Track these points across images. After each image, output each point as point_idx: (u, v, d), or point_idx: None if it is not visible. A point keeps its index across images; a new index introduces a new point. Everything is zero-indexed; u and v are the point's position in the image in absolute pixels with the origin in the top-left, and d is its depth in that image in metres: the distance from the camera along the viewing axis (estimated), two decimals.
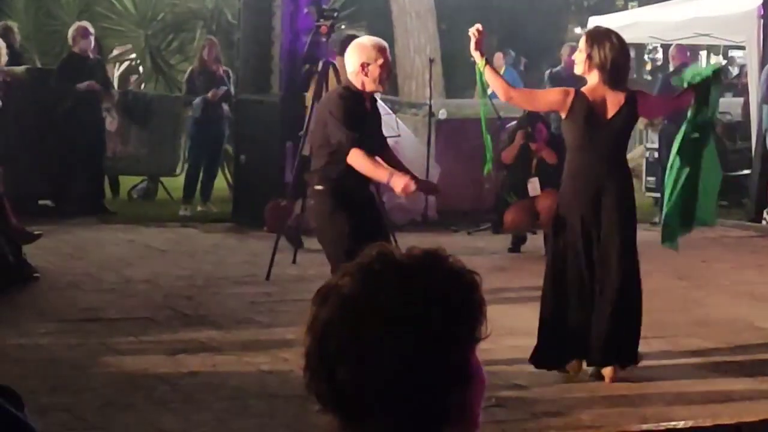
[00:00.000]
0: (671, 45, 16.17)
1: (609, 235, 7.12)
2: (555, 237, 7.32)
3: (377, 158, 7.18)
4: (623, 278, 7.15)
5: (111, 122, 14.87)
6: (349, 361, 1.81)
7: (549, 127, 12.39)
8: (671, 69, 15.79)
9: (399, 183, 6.95)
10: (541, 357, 7.21)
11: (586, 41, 7.25)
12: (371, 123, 7.34)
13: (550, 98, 7.48)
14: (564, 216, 7.22)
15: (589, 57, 7.16)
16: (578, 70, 7.34)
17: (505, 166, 12.08)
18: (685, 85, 7.57)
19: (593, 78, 7.17)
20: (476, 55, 7.37)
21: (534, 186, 11.81)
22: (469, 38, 7.58)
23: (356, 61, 7.26)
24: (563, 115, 7.24)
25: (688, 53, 15.95)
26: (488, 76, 7.30)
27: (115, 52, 17.60)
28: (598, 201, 7.11)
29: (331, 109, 7.13)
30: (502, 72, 17.01)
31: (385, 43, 7.54)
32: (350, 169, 7.00)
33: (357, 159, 7.00)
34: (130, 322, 8.45)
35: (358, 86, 7.15)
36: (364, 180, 7.15)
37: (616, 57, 7.10)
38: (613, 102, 7.13)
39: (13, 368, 6.77)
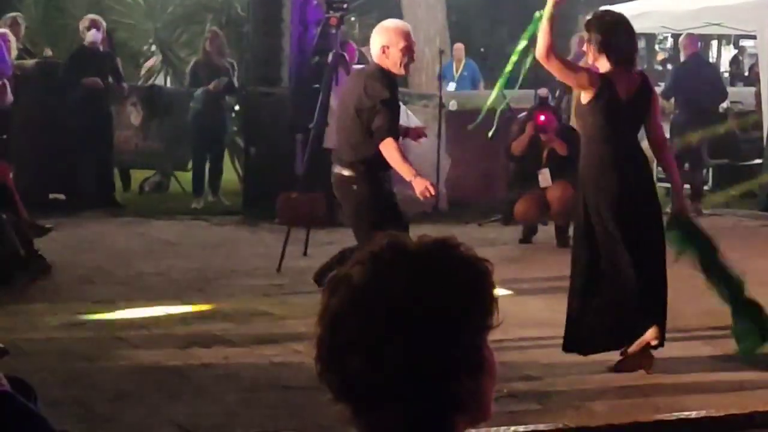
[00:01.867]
0: (682, 34, 16.11)
1: (642, 221, 7.08)
2: (588, 227, 7.19)
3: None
4: (659, 261, 7.12)
5: (136, 116, 14.92)
6: (360, 350, 1.81)
7: (560, 118, 12.38)
8: (682, 59, 15.73)
9: (420, 185, 7.07)
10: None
11: (588, 28, 7.19)
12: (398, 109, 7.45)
13: (580, 78, 7.19)
14: (595, 204, 7.13)
15: (595, 42, 7.08)
16: (589, 59, 7.28)
17: (515, 157, 12.06)
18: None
19: (603, 64, 7.10)
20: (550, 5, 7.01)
21: (545, 177, 11.78)
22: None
23: (378, 43, 7.34)
24: (586, 99, 7.10)
25: (700, 43, 15.90)
26: (545, 28, 6.96)
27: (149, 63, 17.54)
28: (628, 186, 7.06)
29: (374, 91, 7.20)
30: (462, 64, 17.04)
31: (407, 27, 7.61)
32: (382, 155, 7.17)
33: (390, 149, 7.18)
34: (142, 315, 8.46)
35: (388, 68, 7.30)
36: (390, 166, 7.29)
37: (622, 37, 7.03)
38: (630, 84, 7.07)
39: (26, 361, 6.77)
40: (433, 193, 7.24)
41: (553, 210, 11.87)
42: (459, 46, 20.30)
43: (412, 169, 7.25)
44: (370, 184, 7.34)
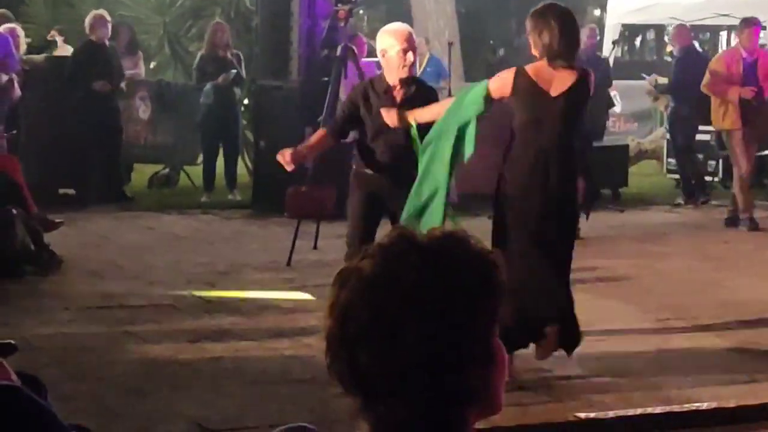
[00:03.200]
0: (671, 26, 15.91)
1: (552, 213, 6.95)
2: (505, 215, 7.13)
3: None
4: (564, 263, 7.05)
5: (144, 111, 14.93)
6: (370, 342, 1.80)
7: None
8: (675, 53, 15.47)
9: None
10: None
11: (529, 22, 7.13)
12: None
13: (493, 88, 7.07)
14: (513, 194, 7.04)
15: (532, 38, 7.00)
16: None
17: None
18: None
19: (541, 58, 6.97)
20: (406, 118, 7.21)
21: None
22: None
23: (378, 49, 7.34)
24: (508, 94, 6.98)
25: (692, 33, 15.72)
26: (423, 117, 7.15)
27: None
28: (546, 178, 6.95)
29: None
30: (426, 59, 17.00)
31: (404, 28, 7.53)
32: (364, 148, 7.59)
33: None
34: (152, 309, 8.47)
35: (385, 75, 7.31)
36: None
37: (556, 35, 6.89)
38: (561, 81, 6.93)
39: (36, 356, 6.78)
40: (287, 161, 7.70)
41: None
42: (421, 41, 20.24)
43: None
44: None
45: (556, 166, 6.90)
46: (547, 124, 6.91)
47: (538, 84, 6.90)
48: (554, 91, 6.89)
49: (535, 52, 7.00)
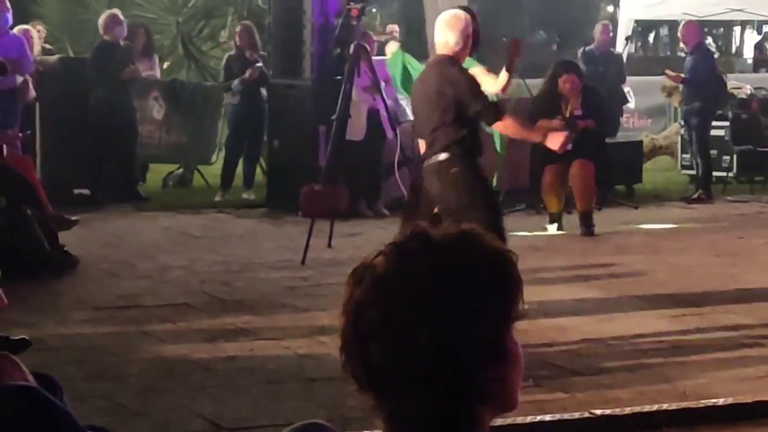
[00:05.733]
0: (681, 22, 15.86)
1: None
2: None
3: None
4: None
5: (158, 110, 14.96)
6: (384, 339, 1.80)
7: (581, 76, 12.38)
8: (687, 50, 15.38)
9: (556, 141, 7.83)
10: None
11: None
12: None
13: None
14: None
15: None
16: None
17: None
18: None
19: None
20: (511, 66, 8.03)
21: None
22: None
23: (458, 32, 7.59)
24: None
25: (705, 29, 15.67)
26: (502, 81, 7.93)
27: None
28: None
29: (460, 82, 7.50)
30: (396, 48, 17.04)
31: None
32: (476, 139, 7.61)
33: (510, 125, 7.94)
34: (167, 308, 8.48)
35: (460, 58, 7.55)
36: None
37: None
38: None
39: (52, 356, 6.80)
40: (568, 143, 8.00)
41: (574, 187, 11.90)
42: (392, 27, 20.15)
43: (539, 131, 8.30)
44: (473, 169, 7.64)
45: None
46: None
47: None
48: None
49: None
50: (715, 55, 19.08)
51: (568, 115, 11.92)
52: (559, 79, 12.07)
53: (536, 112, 12.05)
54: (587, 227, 11.79)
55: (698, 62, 14.48)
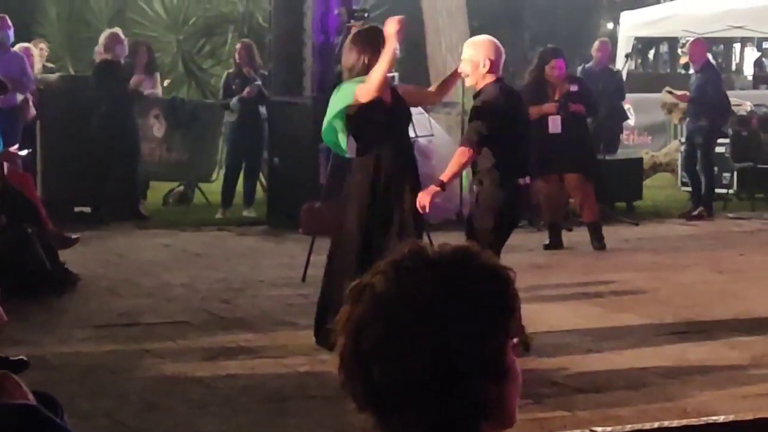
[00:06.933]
0: (684, 38, 15.90)
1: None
2: None
3: None
4: None
5: (159, 128, 14.99)
6: (384, 358, 1.81)
7: (567, 63, 12.47)
8: (693, 68, 15.37)
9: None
10: None
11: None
12: None
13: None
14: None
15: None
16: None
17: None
18: None
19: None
20: (392, 40, 7.51)
21: (555, 123, 11.82)
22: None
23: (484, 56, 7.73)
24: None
25: (712, 47, 15.70)
26: (386, 60, 7.44)
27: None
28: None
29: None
30: None
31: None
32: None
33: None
34: (168, 326, 8.48)
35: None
36: None
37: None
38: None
39: (53, 374, 6.80)
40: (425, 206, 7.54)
41: (576, 200, 11.96)
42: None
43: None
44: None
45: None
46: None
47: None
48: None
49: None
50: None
51: (557, 98, 11.95)
52: (546, 66, 12.08)
53: (525, 101, 12.10)
54: (599, 241, 11.83)
55: (706, 81, 14.47)
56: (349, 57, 7.62)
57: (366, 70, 7.49)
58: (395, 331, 1.81)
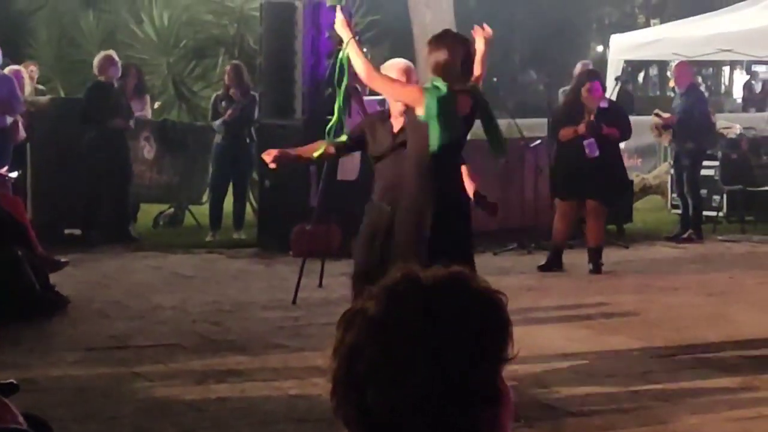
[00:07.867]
0: (673, 61, 16.00)
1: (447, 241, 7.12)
2: None
3: None
4: None
5: (149, 151, 14.99)
6: (379, 383, 1.81)
7: (604, 85, 12.47)
8: (678, 90, 15.43)
9: None
10: None
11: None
12: None
13: (412, 91, 7.39)
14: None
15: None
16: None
17: (560, 143, 12.16)
18: None
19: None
20: (344, 32, 7.41)
21: (591, 146, 11.79)
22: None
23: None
24: (419, 112, 7.18)
25: (701, 70, 15.81)
26: (354, 51, 7.31)
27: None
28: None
29: None
30: None
31: (404, 63, 7.79)
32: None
33: None
34: (159, 348, 8.47)
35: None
36: None
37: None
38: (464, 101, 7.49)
39: (43, 397, 6.78)
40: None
41: (589, 222, 11.99)
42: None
43: None
44: None
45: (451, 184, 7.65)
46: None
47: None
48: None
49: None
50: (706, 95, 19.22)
51: (591, 118, 11.91)
52: (582, 88, 12.05)
53: (560, 121, 12.13)
54: (596, 264, 11.85)
55: (691, 103, 14.51)
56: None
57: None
58: (389, 356, 1.81)
